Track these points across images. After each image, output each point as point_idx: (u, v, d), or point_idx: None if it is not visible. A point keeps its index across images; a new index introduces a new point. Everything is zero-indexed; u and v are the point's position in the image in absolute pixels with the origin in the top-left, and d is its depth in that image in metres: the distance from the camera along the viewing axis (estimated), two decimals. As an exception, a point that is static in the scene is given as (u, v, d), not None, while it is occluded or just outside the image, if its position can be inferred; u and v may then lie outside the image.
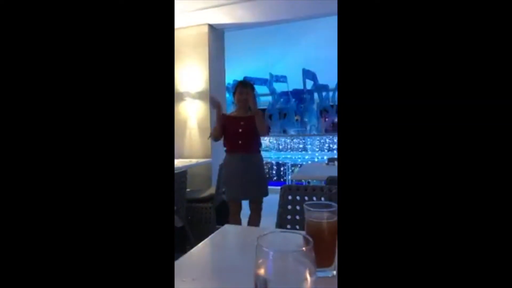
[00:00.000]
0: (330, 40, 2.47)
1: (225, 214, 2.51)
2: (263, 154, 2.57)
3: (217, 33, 3.92)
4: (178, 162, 3.34)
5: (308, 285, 0.44)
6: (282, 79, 7.06)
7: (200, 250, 0.91)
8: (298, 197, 1.42)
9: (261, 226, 2.37)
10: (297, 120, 7.09)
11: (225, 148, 2.46)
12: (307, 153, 6.28)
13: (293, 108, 7.03)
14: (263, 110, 6.89)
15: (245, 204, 2.51)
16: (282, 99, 7.10)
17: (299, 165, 5.83)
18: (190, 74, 3.80)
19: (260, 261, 0.45)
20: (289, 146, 6.44)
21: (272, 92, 7.11)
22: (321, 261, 0.56)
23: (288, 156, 6.32)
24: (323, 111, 6.94)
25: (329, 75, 6.36)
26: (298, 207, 1.41)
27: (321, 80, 6.82)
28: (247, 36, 4.79)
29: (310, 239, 0.47)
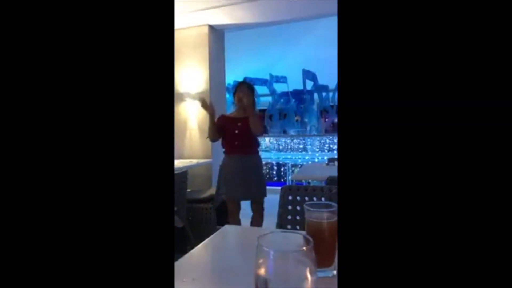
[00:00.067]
0: (330, 40, 2.47)
1: (225, 214, 2.51)
2: (264, 154, 2.58)
3: (217, 34, 3.92)
4: (178, 163, 3.34)
5: (308, 285, 0.44)
6: (282, 79, 7.06)
7: (201, 251, 0.91)
8: (298, 197, 1.43)
9: (262, 226, 2.37)
10: (297, 120, 7.09)
11: (223, 150, 2.46)
12: (307, 154, 6.28)
13: (293, 108, 7.03)
14: (263, 110, 6.89)
15: (245, 204, 2.51)
16: (282, 100, 7.10)
17: (299, 166, 5.83)
18: (190, 74, 3.80)
19: (261, 261, 0.45)
20: (289, 147, 6.44)
21: (272, 92, 7.11)
22: (321, 261, 0.56)
23: (288, 157, 6.32)
24: (323, 112, 6.95)
25: (329, 76, 6.36)
26: (298, 207, 1.41)
27: (321, 81, 6.82)
28: (247, 36, 4.79)
29: (311, 239, 0.47)
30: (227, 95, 4.85)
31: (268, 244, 0.45)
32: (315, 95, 6.96)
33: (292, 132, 6.99)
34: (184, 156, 3.85)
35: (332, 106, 6.85)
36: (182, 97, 3.80)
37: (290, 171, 6.00)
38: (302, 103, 7.00)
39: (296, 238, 0.50)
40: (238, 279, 0.69)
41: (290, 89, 7.05)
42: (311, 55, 6.32)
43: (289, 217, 1.42)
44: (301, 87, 6.87)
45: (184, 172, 2.53)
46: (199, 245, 0.92)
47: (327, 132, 6.59)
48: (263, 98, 7.16)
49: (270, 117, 7.01)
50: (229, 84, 6.14)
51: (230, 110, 3.33)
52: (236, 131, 2.34)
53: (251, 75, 6.88)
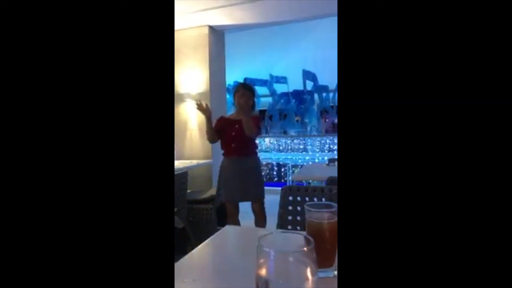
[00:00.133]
0: (330, 41, 2.47)
1: (225, 215, 2.51)
2: (264, 155, 2.58)
3: (217, 34, 3.92)
4: (178, 163, 3.34)
5: (309, 285, 0.44)
6: (282, 80, 7.05)
7: (201, 251, 0.91)
8: (298, 198, 1.43)
9: (261, 228, 2.37)
10: (297, 121, 7.08)
11: (222, 151, 2.47)
12: (307, 154, 6.28)
13: (293, 109, 7.02)
14: (263, 111, 6.89)
15: (245, 207, 2.51)
16: (282, 100, 7.09)
17: (299, 166, 5.83)
18: (191, 75, 3.80)
19: (261, 261, 0.45)
20: (289, 147, 6.44)
21: (273, 93, 7.11)
22: (322, 261, 0.56)
23: (289, 157, 6.32)
24: (323, 112, 6.94)
25: (329, 76, 6.36)
26: (299, 208, 1.41)
27: (321, 81, 6.81)
28: (247, 37, 4.80)
29: (311, 239, 0.47)
30: (227, 96, 4.85)
31: (269, 245, 0.45)
32: (315, 96, 6.96)
33: (292, 132, 6.98)
34: (184, 157, 3.85)
35: (332, 107, 6.85)
36: (182, 98, 3.80)
37: (291, 171, 6.00)
38: (302, 104, 7.00)
39: (297, 239, 0.50)
40: (239, 279, 0.69)
41: (290, 90, 7.04)
42: (311, 55, 6.33)
43: (290, 217, 1.42)
44: (301, 87, 6.86)
45: (184, 173, 2.53)
46: (200, 246, 0.92)
47: (327, 132, 6.58)
48: (263, 99, 7.16)
49: (270, 117, 7.01)
50: (229, 85, 6.14)
51: (231, 110, 3.33)
52: (233, 133, 2.35)
53: (251, 75, 6.88)
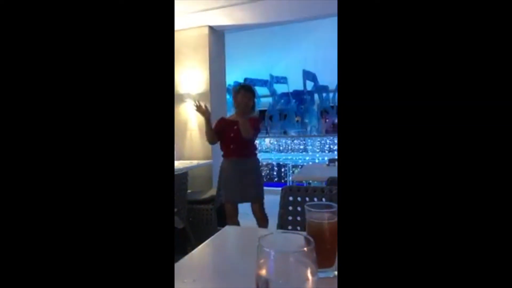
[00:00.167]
0: (330, 41, 2.47)
1: (225, 216, 2.51)
2: (264, 155, 2.58)
3: (217, 35, 3.92)
4: (178, 164, 3.34)
5: (309, 285, 0.44)
6: (282, 80, 7.05)
7: (201, 252, 0.91)
8: (299, 198, 1.43)
9: (261, 228, 2.37)
10: (297, 121, 7.08)
11: (222, 153, 2.48)
12: (307, 154, 6.28)
13: (293, 109, 7.02)
14: (264, 111, 6.89)
15: (245, 208, 2.51)
16: (282, 100, 7.09)
17: (299, 166, 5.83)
18: (191, 75, 3.81)
19: (262, 261, 0.45)
20: (289, 147, 6.44)
21: (273, 93, 7.10)
22: (322, 262, 0.56)
23: (289, 157, 6.32)
24: (324, 112, 6.94)
25: (329, 76, 6.36)
26: (299, 208, 1.41)
27: (321, 81, 6.81)
28: (247, 37, 4.80)
29: (311, 239, 0.47)
30: (228, 96, 4.85)
31: (269, 245, 0.45)
32: (316, 96, 6.95)
33: (292, 132, 6.98)
34: (184, 157, 3.85)
35: (332, 107, 6.85)
36: (182, 98, 3.80)
37: (291, 171, 6.00)
38: (303, 104, 6.99)
39: (297, 239, 0.50)
40: (239, 280, 0.69)
41: (291, 90, 7.04)
42: (311, 55, 6.32)
43: (290, 217, 1.42)
44: (301, 87, 6.86)
45: (185, 173, 2.53)
46: (200, 246, 0.92)
47: (327, 132, 6.58)
48: (264, 99, 7.16)
49: (271, 117, 7.01)
50: (229, 85, 6.14)
51: (231, 111, 3.33)
52: (232, 135, 2.35)
53: (252, 75, 6.88)
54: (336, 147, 5.76)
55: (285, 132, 6.99)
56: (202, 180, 3.73)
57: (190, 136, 3.87)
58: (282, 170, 6.19)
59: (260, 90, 6.93)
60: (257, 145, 2.54)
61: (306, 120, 6.99)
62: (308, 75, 6.74)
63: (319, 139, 6.34)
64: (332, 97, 6.88)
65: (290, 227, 1.41)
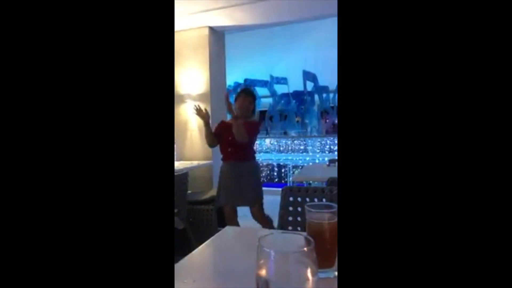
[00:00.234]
0: (330, 41, 2.47)
1: (225, 217, 2.52)
2: (264, 155, 2.58)
3: (217, 35, 3.92)
4: (179, 164, 3.34)
5: (309, 285, 0.44)
6: (282, 80, 7.05)
7: (201, 252, 0.91)
8: (299, 199, 1.43)
9: (262, 228, 2.37)
10: (297, 121, 7.08)
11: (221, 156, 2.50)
12: (308, 155, 6.27)
13: (293, 109, 7.02)
14: (264, 112, 6.90)
15: (245, 210, 2.51)
16: (282, 101, 7.09)
17: (300, 167, 5.82)
18: (191, 76, 3.81)
19: (262, 262, 0.45)
20: (290, 148, 6.44)
21: (273, 93, 7.11)
22: (322, 262, 0.56)
23: (289, 158, 6.31)
24: (324, 113, 6.93)
25: (329, 77, 6.36)
26: (299, 209, 1.41)
27: (322, 82, 6.81)
28: (247, 38, 4.79)
29: (311, 239, 0.47)
30: (228, 97, 4.83)
31: (269, 245, 0.45)
32: (316, 96, 6.95)
33: (292, 133, 6.98)
34: (184, 158, 3.85)
35: (332, 107, 6.85)
36: (182, 99, 3.80)
37: (291, 172, 6.00)
38: (303, 104, 6.99)
39: (297, 239, 0.50)
40: (239, 280, 0.69)
41: (291, 90, 7.04)
42: (311, 56, 6.33)
43: (290, 218, 1.42)
44: (301, 88, 6.86)
45: (185, 174, 2.52)
46: (200, 247, 0.92)
47: (327, 133, 6.58)
48: (264, 100, 7.16)
49: (271, 118, 7.01)
50: (229, 86, 6.14)
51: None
52: (230, 138, 2.35)
53: (252, 76, 6.88)
54: (336, 148, 5.75)
55: (285, 133, 6.99)
56: (203, 181, 3.73)
57: (190, 136, 3.87)
58: (283, 170, 6.19)
59: (260, 91, 6.94)
60: (257, 148, 2.54)
61: (307, 121, 6.99)
62: (308, 76, 6.74)
63: (319, 140, 6.34)
64: (332, 98, 6.88)
65: (290, 228, 1.41)
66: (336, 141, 5.82)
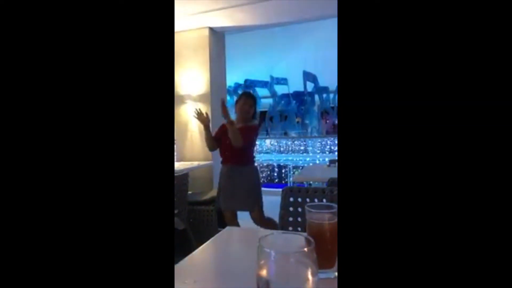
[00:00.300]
0: (331, 42, 2.47)
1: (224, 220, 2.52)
2: (265, 156, 2.58)
3: (217, 36, 3.93)
4: (179, 165, 3.34)
5: (310, 286, 0.44)
6: (282, 81, 7.05)
7: (202, 252, 0.91)
8: (299, 199, 1.42)
9: (262, 229, 2.37)
10: (298, 122, 7.08)
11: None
12: (308, 155, 6.27)
13: (294, 110, 7.02)
14: (264, 112, 6.89)
15: (246, 213, 2.51)
16: (283, 101, 7.09)
17: (300, 167, 5.82)
18: (191, 77, 3.81)
19: (262, 262, 0.45)
20: (290, 148, 6.43)
21: (273, 94, 7.10)
22: (322, 263, 0.56)
23: (290, 158, 6.31)
24: (324, 113, 6.93)
25: (329, 77, 6.35)
26: (299, 209, 1.41)
27: (322, 82, 6.81)
28: (247, 38, 4.80)
29: (312, 240, 0.47)
30: (228, 97, 4.85)
31: (270, 245, 0.45)
32: (316, 97, 6.95)
33: (293, 133, 6.98)
34: (185, 158, 3.85)
35: (332, 108, 6.84)
36: (183, 100, 3.80)
37: (291, 172, 6.00)
38: (303, 105, 6.99)
39: (297, 239, 0.50)
40: (240, 280, 0.69)
41: (291, 91, 7.04)
42: (311, 57, 6.33)
43: (291, 218, 1.42)
44: (301, 88, 6.86)
45: (185, 174, 2.52)
46: (201, 247, 0.92)
47: (328, 133, 6.57)
48: (264, 100, 7.16)
49: (271, 119, 7.01)
50: (229, 86, 6.14)
51: (231, 112, 3.33)
52: (228, 141, 2.35)
53: (252, 77, 6.88)
54: (336, 148, 5.74)
55: (285, 133, 6.99)
56: (203, 181, 3.73)
57: (190, 137, 3.88)
58: (283, 171, 6.18)
59: (260, 91, 6.93)
60: (257, 148, 2.53)
61: (307, 121, 6.98)
62: (309, 76, 6.74)
63: (319, 140, 6.33)
64: (333, 98, 6.88)
65: (290, 228, 1.41)
66: (336, 142, 5.81)
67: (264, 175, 6.08)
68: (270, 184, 5.87)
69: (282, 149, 6.48)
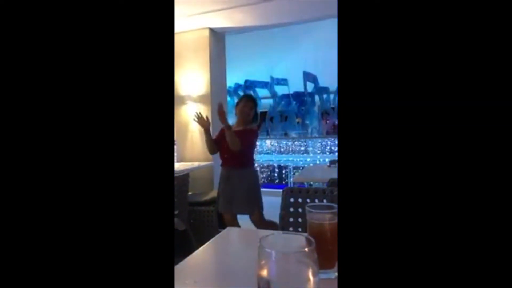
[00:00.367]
0: (331, 42, 2.47)
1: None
2: (265, 157, 2.57)
3: (217, 37, 3.93)
4: (180, 166, 3.34)
5: (310, 286, 0.44)
6: (283, 81, 7.05)
7: (202, 253, 0.91)
8: (300, 200, 1.42)
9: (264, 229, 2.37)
10: (298, 122, 7.08)
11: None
12: (308, 156, 6.26)
13: (294, 110, 7.02)
14: (264, 113, 6.90)
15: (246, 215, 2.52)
16: (283, 102, 7.09)
17: (300, 168, 5.82)
18: (191, 77, 3.81)
19: (263, 262, 0.45)
20: (290, 149, 6.43)
21: (273, 95, 7.11)
22: (323, 263, 0.56)
23: (290, 159, 6.31)
24: (324, 114, 6.93)
25: (329, 78, 6.35)
26: (300, 210, 1.41)
27: (322, 83, 6.81)
28: (247, 39, 4.81)
29: (312, 240, 0.47)
30: (228, 98, 4.85)
31: (270, 246, 0.45)
32: (316, 97, 6.95)
33: (293, 134, 6.97)
34: (185, 159, 3.85)
35: (333, 108, 6.84)
36: (183, 100, 3.81)
37: (292, 173, 5.99)
38: (303, 105, 6.99)
39: (298, 239, 0.50)
40: (240, 280, 0.69)
41: (291, 91, 7.04)
42: (311, 57, 6.33)
43: (291, 219, 1.42)
44: (302, 89, 6.86)
45: (186, 175, 2.52)
46: (201, 248, 0.92)
47: (328, 134, 6.57)
48: (264, 101, 7.16)
49: (271, 119, 7.01)
50: (230, 87, 6.15)
51: (231, 113, 3.33)
52: (226, 144, 2.35)
53: (252, 77, 6.89)
54: (337, 149, 5.74)
55: (285, 134, 6.99)
56: (203, 182, 3.73)
57: (191, 138, 3.88)
58: (283, 171, 6.18)
59: (260, 92, 6.94)
60: (257, 149, 2.53)
61: (307, 122, 6.98)
62: (309, 77, 6.74)
63: (320, 141, 6.33)
64: (333, 99, 6.88)
65: (291, 228, 1.41)
66: (336, 142, 5.81)
67: (264, 175, 6.08)
68: (271, 184, 5.87)
69: (282, 149, 6.47)
